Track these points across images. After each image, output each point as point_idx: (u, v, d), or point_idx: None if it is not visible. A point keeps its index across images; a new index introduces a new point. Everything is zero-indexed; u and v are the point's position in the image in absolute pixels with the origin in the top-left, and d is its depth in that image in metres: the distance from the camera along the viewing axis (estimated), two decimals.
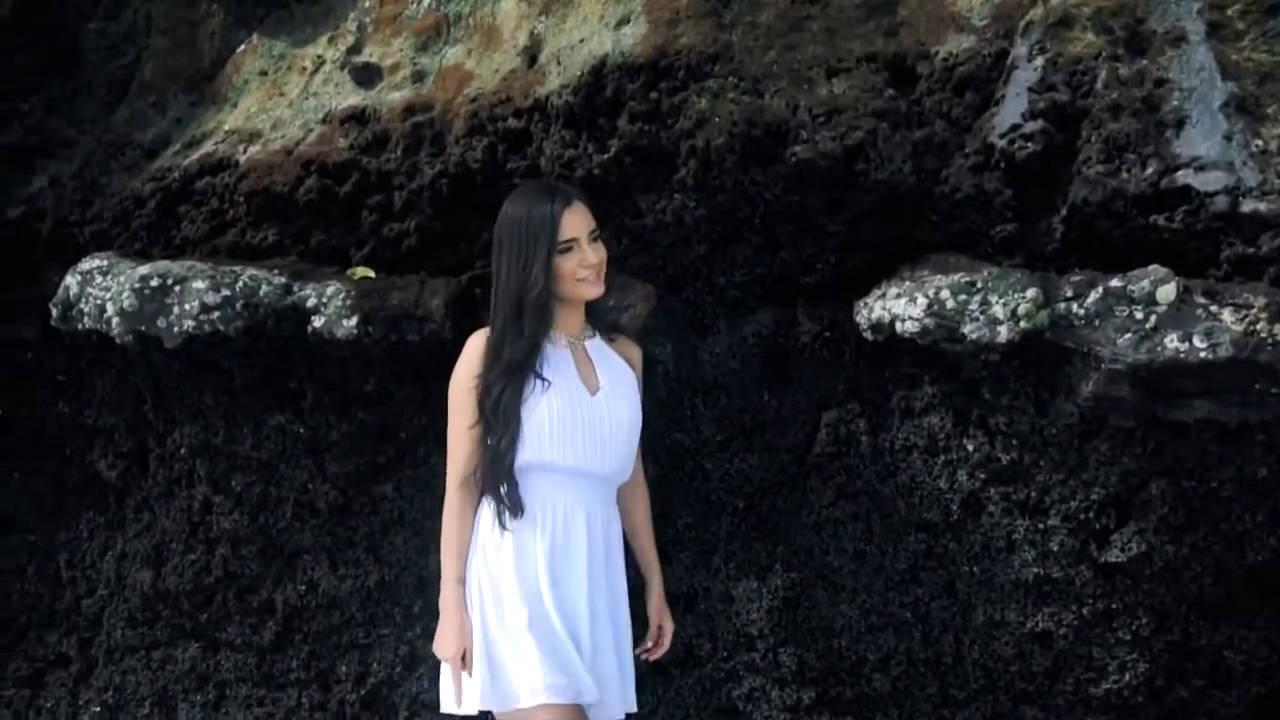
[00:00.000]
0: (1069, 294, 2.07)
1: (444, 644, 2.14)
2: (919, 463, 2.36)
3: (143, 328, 2.52)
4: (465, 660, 2.10)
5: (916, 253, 2.29)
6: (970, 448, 2.30)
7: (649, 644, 2.27)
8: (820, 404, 2.44)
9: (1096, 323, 2.03)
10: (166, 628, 2.83)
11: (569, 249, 2.10)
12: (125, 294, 2.51)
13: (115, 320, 2.54)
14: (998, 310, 2.07)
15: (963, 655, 2.39)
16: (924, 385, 2.32)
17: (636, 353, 2.30)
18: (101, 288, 2.58)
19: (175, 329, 2.50)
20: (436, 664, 2.47)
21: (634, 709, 2.20)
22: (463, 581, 2.13)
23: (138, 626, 2.85)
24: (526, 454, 2.10)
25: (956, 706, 2.42)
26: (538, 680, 2.01)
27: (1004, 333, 2.07)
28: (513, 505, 2.09)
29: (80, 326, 2.63)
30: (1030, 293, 2.06)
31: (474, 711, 2.12)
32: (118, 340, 2.57)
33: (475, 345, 2.16)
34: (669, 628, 2.29)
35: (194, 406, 2.68)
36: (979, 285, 2.09)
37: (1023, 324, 2.06)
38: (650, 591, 2.30)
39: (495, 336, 2.11)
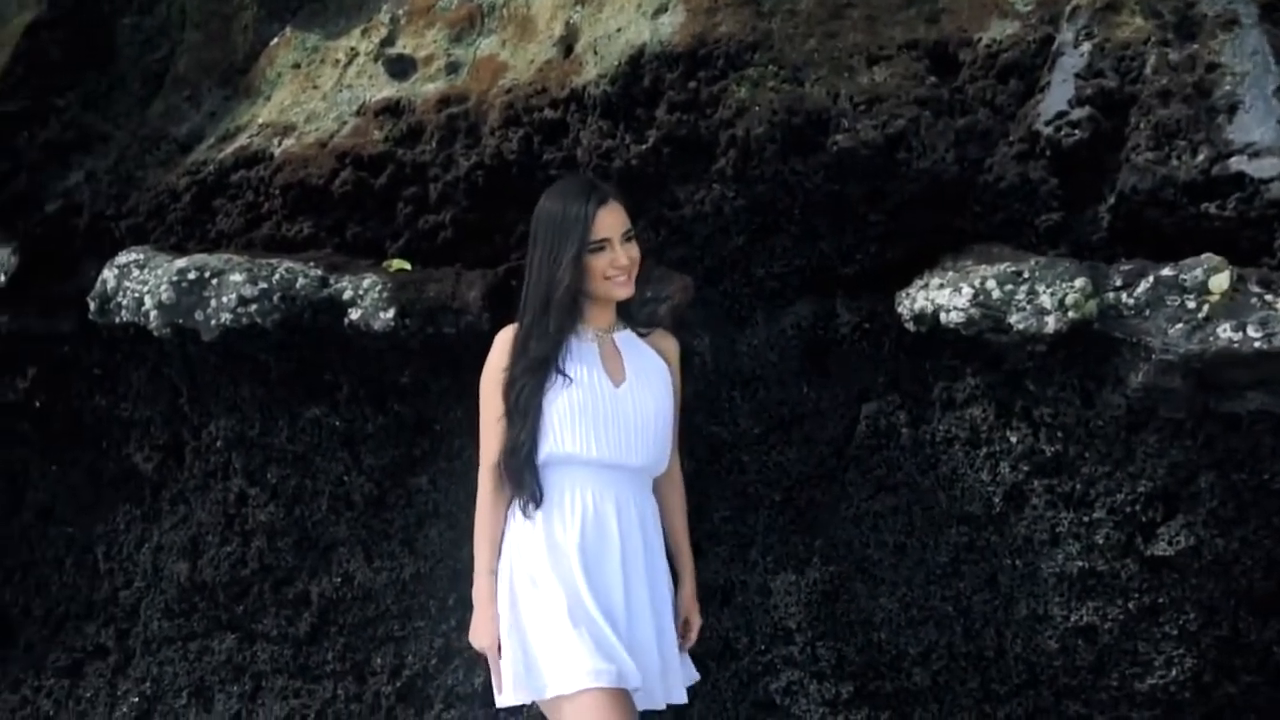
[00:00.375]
0: (1118, 283, 2.04)
1: (478, 635, 2.16)
2: (960, 455, 2.33)
3: (180, 321, 2.53)
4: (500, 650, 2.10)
5: (959, 243, 2.26)
6: (1013, 439, 2.27)
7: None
8: (859, 396, 2.41)
9: (1147, 313, 2.00)
10: (203, 619, 2.84)
11: (601, 248, 2.10)
12: (163, 287, 2.52)
13: (153, 313, 2.54)
14: (1045, 300, 2.04)
15: (1005, 649, 2.36)
16: (966, 376, 2.29)
17: (672, 345, 2.29)
18: (139, 281, 2.59)
19: (213, 322, 2.50)
20: (472, 656, 2.47)
21: (687, 688, 2.20)
22: (495, 573, 2.13)
23: (174, 618, 2.86)
24: (550, 447, 2.10)
25: (998, 701, 2.40)
26: (582, 666, 1.99)
27: (1052, 323, 2.04)
28: (534, 496, 2.10)
29: (118, 320, 2.64)
30: (1079, 282, 2.03)
31: (510, 704, 2.11)
32: (155, 333, 2.58)
33: (504, 339, 2.17)
34: (696, 622, 2.29)
35: (230, 399, 2.69)
36: (1026, 275, 2.06)
37: (1071, 314, 2.03)
38: (681, 585, 2.29)
39: (523, 331, 2.13)
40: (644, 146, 2.34)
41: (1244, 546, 2.15)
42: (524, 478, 2.10)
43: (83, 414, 2.89)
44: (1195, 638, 2.23)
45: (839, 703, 2.47)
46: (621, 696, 2.02)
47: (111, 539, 2.91)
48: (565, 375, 2.10)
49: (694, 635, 2.28)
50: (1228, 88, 2.08)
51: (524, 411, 2.08)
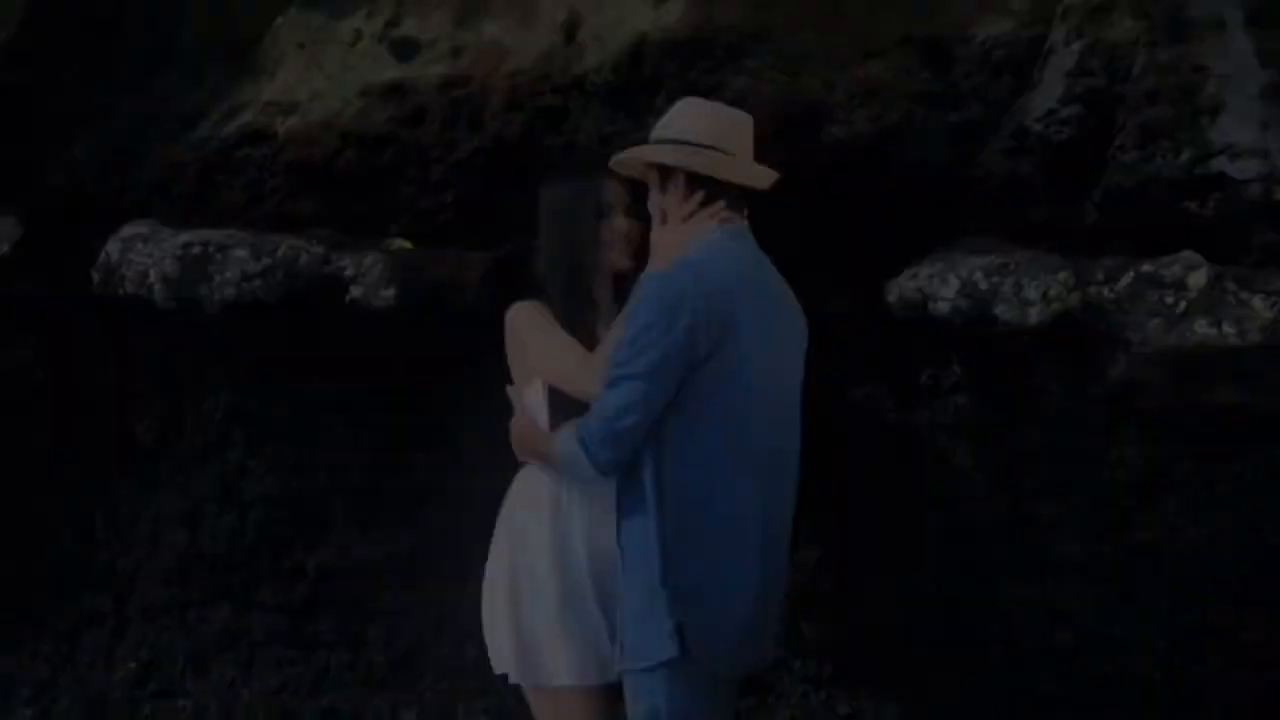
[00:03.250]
0: (1101, 278, 2.08)
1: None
2: (945, 441, 2.38)
3: (184, 294, 2.57)
4: None
5: (949, 234, 2.31)
6: (998, 427, 2.33)
7: None
8: (848, 381, 2.46)
9: (1127, 307, 2.05)
10: (200, 588, 2.89)
11: (603, 214, 2.14)
12: (168, 260, 2.56)
13: (157, 286, 2.58)
14: (1030, 292, 2.09)
15: (985, 631, 2.43)
16: (953, 364, 2.34)
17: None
18: (143, 254, 2.63)
19: (216, 296, 2.54)
20: (465, 629, 2.52)
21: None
22: None
23: (171, 586, 2.91)
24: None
25: (977, 682, 2.46)
26: (568, 660, 2.03)
27: (1035, 315, 2.09)
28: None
29: (121, 292, 2.68)
30: (1062, 275, 2.08)
31: (503, 672, 2.14)
32: (159, 306, 2.62)
33: (531, 309, 2.16)
34: None
35: (230, 372, 2.73)
36: (1012, 267, 2.11)
37: (1054, 306, 2.08)
38: None
39: (561, 308, 2.11)
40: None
41: (1216, 534, 2.22)
42: None
43: (83, 384, 2.93)
44: (1167, 622, 2.30)
45: (821, 679, 2.54)
46: (603, 693, 2.04)
47: (110, 508, 2.96)
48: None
49: None
50: (1212, 89, 2.12)
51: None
